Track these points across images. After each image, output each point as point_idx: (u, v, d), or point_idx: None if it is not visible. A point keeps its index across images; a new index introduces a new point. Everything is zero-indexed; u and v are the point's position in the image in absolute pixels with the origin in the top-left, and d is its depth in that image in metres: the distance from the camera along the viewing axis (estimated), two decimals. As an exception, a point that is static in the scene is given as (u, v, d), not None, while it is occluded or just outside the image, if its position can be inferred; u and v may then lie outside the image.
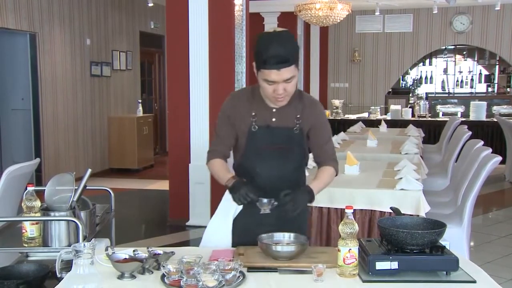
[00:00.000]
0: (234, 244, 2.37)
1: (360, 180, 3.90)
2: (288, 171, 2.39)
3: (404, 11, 11.71)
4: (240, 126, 2.38)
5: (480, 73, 12.51)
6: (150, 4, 9.25)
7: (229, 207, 2.43)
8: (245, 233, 2.21)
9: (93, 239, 2.29)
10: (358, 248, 1.94)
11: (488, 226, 5.90)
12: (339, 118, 9.98)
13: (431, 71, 12.73)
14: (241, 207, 2.39)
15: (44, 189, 2.62)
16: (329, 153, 2.46)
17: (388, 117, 9.71)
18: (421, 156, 5.22)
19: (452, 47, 12.19)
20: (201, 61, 5.56)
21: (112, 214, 3.15)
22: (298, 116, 2.36)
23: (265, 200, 2.25)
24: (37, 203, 2.61)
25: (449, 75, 12.65)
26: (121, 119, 9.16)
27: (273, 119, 2.35)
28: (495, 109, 9.68)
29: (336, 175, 2.49)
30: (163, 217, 6.07)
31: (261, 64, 2.17)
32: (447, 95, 12.38)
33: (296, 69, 2.21)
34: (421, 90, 12.82)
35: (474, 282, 1.88)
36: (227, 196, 2.44)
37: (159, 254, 2.04)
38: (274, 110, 2.36)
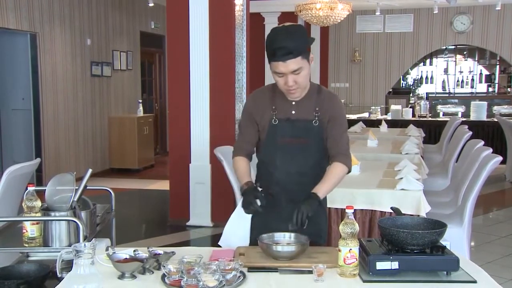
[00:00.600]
0: (252, 241, 2.38)
1: (361, 180, 3.89)
2: (308, 165, 2.42)
3: (404, 11, 11.70)
4: (261, 121, 2.44)
5: (481, 73, 12.49)
6: (151, 4, 9.25)
7: None
8: (264, 230, 2.22)
9: (93, 239, 2.30)
10: (359, 248, 1.95)
11: (489, 226, 5.90)
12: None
13: (432, 71, 12.71)
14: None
15: (45, 189, 2.62)
16: (342, 147, 2.47)
17: (389, 117, 9.71)
18: (421, 156, 5.22)
19: (453, 47, 12.18)
20: (202, 61, 5.55)
21: (112, 214, 3.16)
22: (317, 108, 2.41)
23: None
24: (38, 203, 2.62)
25: (450, 75, 12.63)
26: (122, 119, 9.16)
27: (293, 112, 2.41)
28: (496, 109, 9.68)
29: (349, 171, 2.47)
30: (164, 217, 6.07)
31: (270, 57, 2.27)
32: (447, 95, 12.36)
33: (304, 61, 2.26)
34: (422, 90, 12.80)
35: (475, 282, 1.88)
36: None
37: (159, 254, 2.04)
38: (293, 103, 2.42)
